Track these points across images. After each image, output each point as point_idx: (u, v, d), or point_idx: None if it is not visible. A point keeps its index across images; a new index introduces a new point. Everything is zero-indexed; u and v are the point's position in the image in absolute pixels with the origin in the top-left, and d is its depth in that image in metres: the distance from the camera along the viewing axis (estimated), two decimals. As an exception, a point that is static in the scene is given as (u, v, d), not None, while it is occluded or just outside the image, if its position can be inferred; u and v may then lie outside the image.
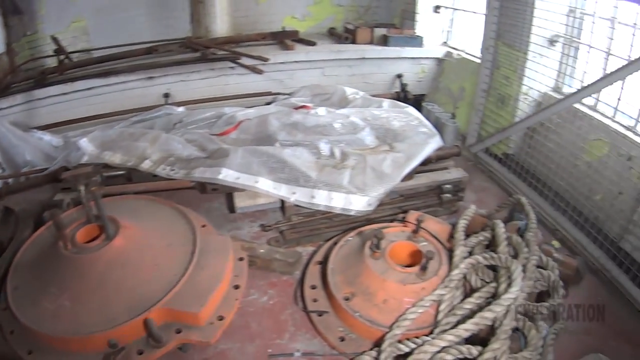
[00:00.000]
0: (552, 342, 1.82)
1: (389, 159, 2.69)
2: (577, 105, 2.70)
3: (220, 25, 4.39)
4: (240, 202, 2.67)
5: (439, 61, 4.43)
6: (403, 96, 4.21)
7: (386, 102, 3.48)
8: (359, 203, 2.51)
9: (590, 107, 2.72)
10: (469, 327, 1.73)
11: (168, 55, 4.02)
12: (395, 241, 2.19)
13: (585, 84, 2.61)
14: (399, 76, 4.39)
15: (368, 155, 2.72)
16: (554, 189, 2.79)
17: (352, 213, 2.49)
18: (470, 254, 2.13)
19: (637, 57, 2.22)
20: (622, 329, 2.04)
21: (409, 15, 4.65)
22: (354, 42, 4.44)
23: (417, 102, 4.19)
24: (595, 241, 2.42)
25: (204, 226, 2.32)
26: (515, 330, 1.79)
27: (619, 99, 2.50)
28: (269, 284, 2.29)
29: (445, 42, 4.56)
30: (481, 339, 1.74)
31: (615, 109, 2.56)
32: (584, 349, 1.87)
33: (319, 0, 5.02)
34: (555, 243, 2.59)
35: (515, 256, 2.02)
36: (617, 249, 2.34)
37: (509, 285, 1.83)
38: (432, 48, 4.44)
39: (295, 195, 2.55)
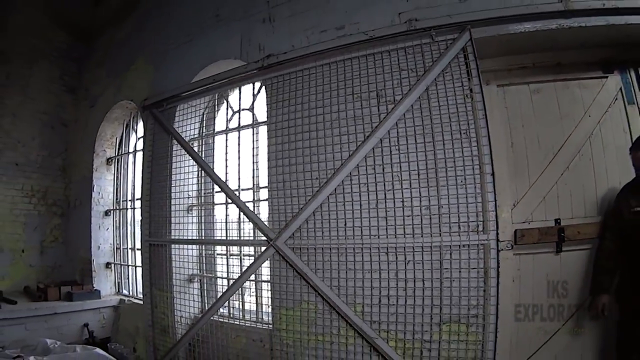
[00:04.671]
0: None
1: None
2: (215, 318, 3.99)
3: None
4: None
5: (115, 308, 5.42)
6: (92, 341, 4.86)
7: (79, 347, 4.21)
8: None
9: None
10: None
11: None
12: None
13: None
14: (86, 325, 5.09)
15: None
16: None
17: None
18: None
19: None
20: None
21: (87, 272, 5.61)
22: (46, 299, 5.01)
23: (104, 344, 4.89)
24: None
25: None
26: None
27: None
28: None
29: (118, 292, 5.68)
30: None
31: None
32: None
33: (15, 261, 5.52)
34: None
35: None
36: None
37: None
38: (108, 298, 5.47)
39: None
